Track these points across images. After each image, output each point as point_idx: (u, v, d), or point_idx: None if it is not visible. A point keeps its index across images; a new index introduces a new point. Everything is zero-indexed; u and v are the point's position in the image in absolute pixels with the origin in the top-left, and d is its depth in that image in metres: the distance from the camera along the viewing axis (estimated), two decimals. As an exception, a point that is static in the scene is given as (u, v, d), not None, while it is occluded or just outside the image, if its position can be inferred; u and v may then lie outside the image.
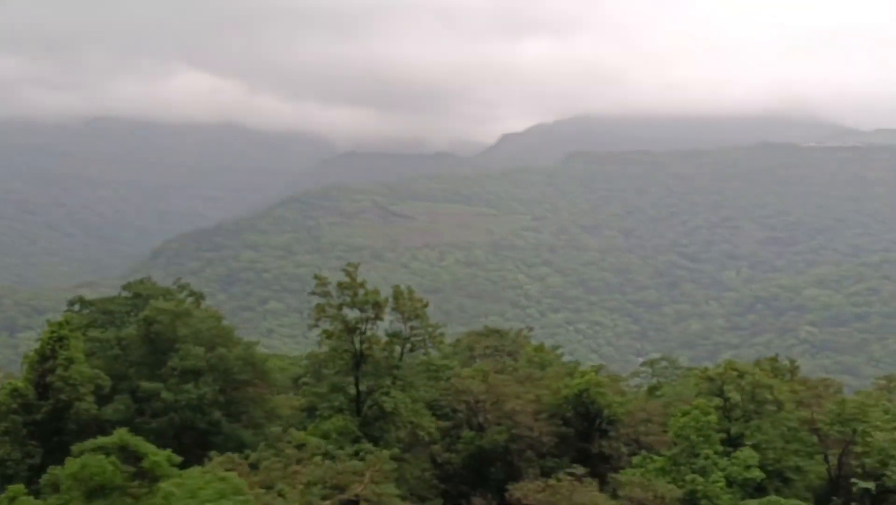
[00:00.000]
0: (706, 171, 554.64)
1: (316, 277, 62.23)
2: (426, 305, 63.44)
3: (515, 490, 44.72)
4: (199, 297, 78.21)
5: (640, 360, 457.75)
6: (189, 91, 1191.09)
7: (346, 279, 61.48)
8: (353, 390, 61.68)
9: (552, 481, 45.33)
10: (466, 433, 66.59)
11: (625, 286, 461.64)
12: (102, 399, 60.19)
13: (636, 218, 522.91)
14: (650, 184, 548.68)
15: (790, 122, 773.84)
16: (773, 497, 50.09)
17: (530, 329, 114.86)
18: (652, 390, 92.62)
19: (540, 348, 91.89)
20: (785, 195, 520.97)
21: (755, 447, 60.97)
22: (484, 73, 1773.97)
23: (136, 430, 59.57)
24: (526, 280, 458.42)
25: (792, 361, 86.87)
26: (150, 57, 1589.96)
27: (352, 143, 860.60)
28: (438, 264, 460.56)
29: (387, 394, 59.01)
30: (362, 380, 61.33)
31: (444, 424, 67.37)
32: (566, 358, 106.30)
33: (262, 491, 38.52)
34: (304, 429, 61.69)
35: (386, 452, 51.07)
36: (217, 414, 60.08)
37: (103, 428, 59.38)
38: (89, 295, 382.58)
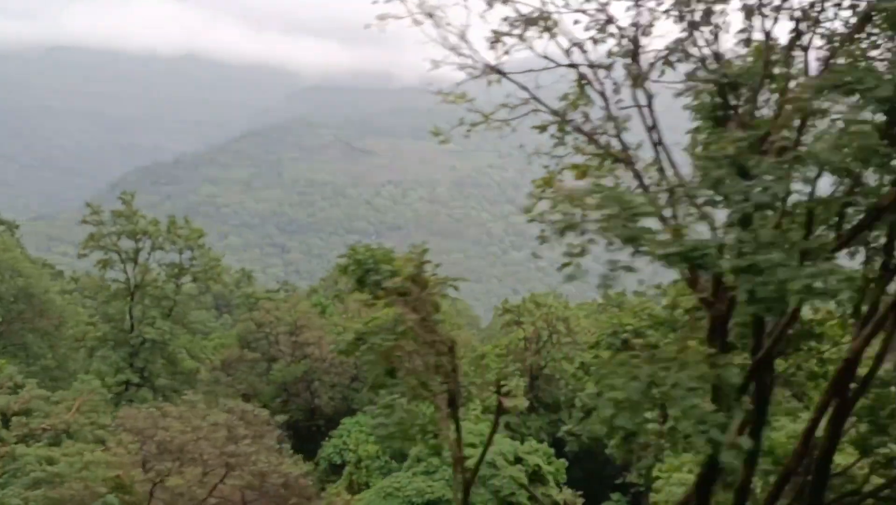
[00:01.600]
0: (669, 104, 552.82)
1: (88, 205, 60.52)
2: (202, 235, 62.37)
3: (119, 415, 42.80)
4: (10, 226, 76.34)
5: (599, 298, 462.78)
6: (149, 20, 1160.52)
7: (123, 207, 59.94)
8: (127, 322, 61.01)
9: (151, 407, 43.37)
10: (279, 364, 66.42)
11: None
12: None
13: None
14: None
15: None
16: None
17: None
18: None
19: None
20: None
21: (551, 378, 61.99)
22: (445, 4, 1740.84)
23: None
24: (489, 218, 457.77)
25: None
26: None
27: (318, 76, 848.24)
28: (402, 201, 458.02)
29: (152, 324, 58.10)
30: (135, 310, 60.45)
31: (253, 355, 67.09)
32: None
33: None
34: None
35: (97, 382, 50.07)
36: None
37: None
38: (46, 227, 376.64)
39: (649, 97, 15.60)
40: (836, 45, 14.15)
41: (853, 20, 14.03)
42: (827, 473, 16.36)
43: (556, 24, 14.97)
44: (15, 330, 63.87)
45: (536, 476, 45.60)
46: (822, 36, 14.52)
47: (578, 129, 15.96)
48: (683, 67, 15.61)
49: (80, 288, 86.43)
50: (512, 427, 50.87)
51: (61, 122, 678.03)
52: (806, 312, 19.30)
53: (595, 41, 15.21)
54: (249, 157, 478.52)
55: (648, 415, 13.03)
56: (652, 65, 15.32)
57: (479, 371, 54.76)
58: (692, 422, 11.20)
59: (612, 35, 15.48)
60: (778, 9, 14.38)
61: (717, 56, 14.91)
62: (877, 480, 17.84)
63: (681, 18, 14.95)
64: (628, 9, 15.17)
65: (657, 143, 15.45)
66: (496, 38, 15.04)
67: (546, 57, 15.74)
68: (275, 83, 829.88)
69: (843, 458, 18.59)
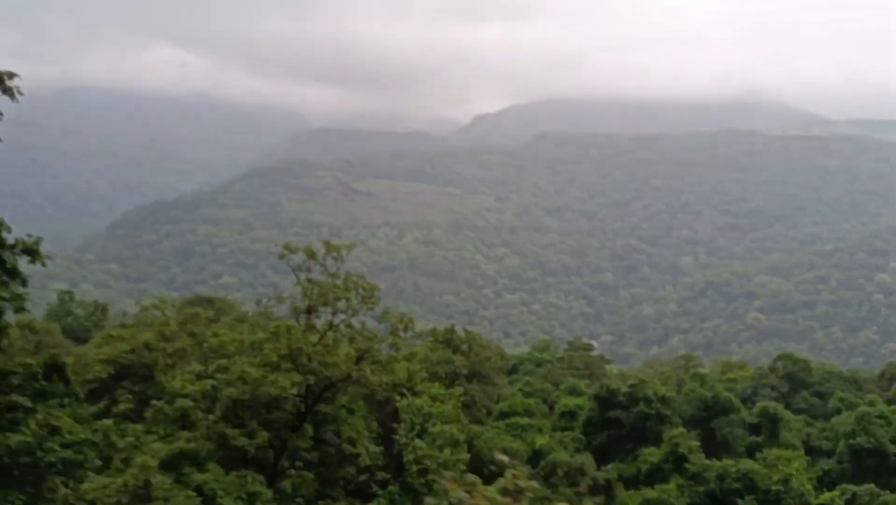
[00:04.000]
0: (669, 156, 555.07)
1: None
2: None
3: None
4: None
5: (593, 342, 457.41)
6: (160, 64, 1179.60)
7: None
8: None
9: None
10: None
11: (582, 269, 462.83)
12: None
13: (598, 201, 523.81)
14: (614, 168, 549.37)
15: (757, 110, 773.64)
16: None
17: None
18: None
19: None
20: (746, 182, 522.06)
21: None
22: (449, 54, 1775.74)
23: None
24: (483, 260, 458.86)
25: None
26: (114, 29, 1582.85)
27: (325, 118, 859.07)
28: (397, 242, 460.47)
29: None
30: None
31: None
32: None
33: None
34: None
35: None
36: None
37: None
38: (41, 266, 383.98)
39: None
40: None
41: None
42: None
43: None
44: None
45: None
46: None
47: None
48: None
49: None
50: None
51: (72, 162, 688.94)
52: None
53: None
54: (248, 197, 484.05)
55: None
56: None
57: None
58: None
59: None
60: None
61: None
62: None
63: None
64: None
65: None
66: None
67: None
68: (282, 125, 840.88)
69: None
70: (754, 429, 78.06)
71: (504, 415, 67.55)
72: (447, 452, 42.07)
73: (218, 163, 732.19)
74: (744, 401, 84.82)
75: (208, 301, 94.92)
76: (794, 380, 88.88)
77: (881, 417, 74.49)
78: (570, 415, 72.02)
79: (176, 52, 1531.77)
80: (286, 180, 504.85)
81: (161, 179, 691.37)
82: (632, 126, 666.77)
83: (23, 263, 30.97)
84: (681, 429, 62.53)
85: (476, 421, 63.03)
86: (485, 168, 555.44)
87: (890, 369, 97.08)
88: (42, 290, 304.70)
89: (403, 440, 42.82)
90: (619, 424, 66.02)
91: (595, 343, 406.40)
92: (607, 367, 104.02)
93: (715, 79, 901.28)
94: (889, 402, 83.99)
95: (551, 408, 76.16)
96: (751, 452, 74.69)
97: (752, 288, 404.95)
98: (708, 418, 77.23)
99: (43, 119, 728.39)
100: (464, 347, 68.81)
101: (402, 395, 46.36)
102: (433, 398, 47.45)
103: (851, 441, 72.09)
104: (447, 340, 69.82)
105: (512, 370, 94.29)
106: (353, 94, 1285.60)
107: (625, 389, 67.36)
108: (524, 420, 65.34)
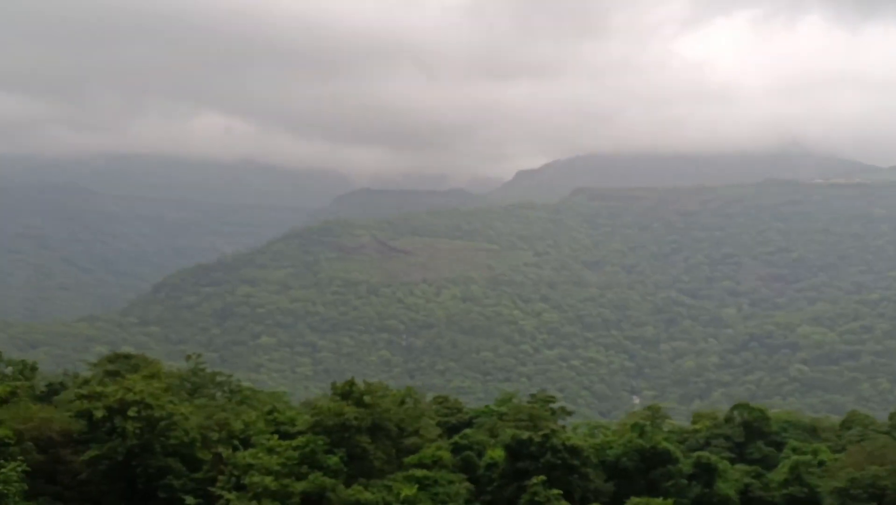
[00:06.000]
0: (710, 207, 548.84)
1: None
2: None
3: None
4: None
5: (634, 397, 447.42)
6: (205, 130, 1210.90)
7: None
8: None
9: None
10: None
11: (622, 323, 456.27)
12: None
13: (638, 254, 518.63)
14: (654, 220, 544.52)
15: (799, 159, 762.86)
16: None
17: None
18: None
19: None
20: (788, 232, 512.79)
21: None
22: (484, 113, 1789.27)
23: None
24: (521, 316, 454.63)
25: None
26: (161, 98, 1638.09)
27: (369, 179, 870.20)
28: (434, 299, 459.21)
29: None
30: None
31: None
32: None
33: None
34: None
35: None
36: None
37: None
38: (87, 329, 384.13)
39: None
40: None
41: None
42: None
43: None
44: None
45: None
46: None
47: None
48: None
49: None
50: None
51: (121, 227, 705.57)
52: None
53: None
54: (287, 257, 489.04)
55: None
56: None
57: None
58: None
59: None
60: None
61: None
62: None
63: None
64: None
65: None
66: None
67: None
68: (326, 187, 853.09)
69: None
70: (696, 479, 75.34)
71: (409, 467, 66.31)
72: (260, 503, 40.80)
73: (264, 225, 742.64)
74: (696, 451, 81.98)
75: (125, 358, 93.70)
76: (751, 429, 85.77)
77: (821, 465, 71.23)
78: (493, 466, 70.27)
79: (220, 119, 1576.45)
80: (324, 240, 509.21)
81: (208, 242, 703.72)
82: (671, 179, 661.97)
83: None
84: (541, 477, 60.45)
85: (371, 473, 61.96)
86: (523, 223, 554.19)
87: (850, 418, 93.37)
88: (84, 352, 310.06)
89: (219, 492, 41.82)
90: (529, 475, 64.14)
91: (636, 398, 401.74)
92: (569, 419, 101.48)
93: (752, 129, 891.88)
94: (841, 449, 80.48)
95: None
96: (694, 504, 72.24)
97: (795, 339, 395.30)
98: (647, 469, 74.78)
99: (94, 186, 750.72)
100: (366, 399, 67.85)
101: (236, 447, 45.31)
102: (270, 449, 46.32)
103: (784, 491, 69.11)
104: (345, 393, 68.85)
105: (467, 423, 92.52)
106: (395, 154, 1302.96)
107: (537, 438, 65.61)
108: (420, 472, 64.00)
